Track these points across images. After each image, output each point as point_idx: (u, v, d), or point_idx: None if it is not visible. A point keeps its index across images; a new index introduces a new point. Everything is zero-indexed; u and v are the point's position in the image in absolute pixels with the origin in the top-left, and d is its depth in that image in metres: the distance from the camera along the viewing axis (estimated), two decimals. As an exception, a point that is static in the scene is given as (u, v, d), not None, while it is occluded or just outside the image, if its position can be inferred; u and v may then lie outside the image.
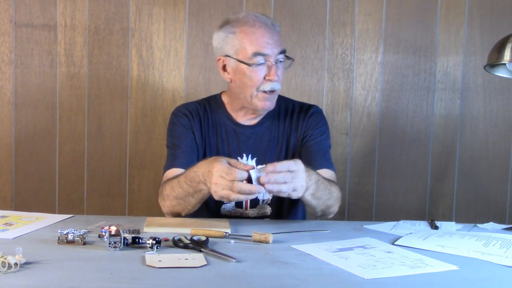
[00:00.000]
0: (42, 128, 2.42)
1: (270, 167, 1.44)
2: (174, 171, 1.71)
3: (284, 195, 1.47)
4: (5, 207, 2.36)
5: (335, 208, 1.72)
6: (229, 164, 1.46)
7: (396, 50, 2.45)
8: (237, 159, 1.76)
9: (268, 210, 1.80)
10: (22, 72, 2.40)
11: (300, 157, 1.76)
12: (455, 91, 2.47)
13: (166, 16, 2.41)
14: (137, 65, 2.41)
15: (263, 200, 1.80)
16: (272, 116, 1.84)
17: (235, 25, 1.73)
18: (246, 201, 1.77)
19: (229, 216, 1.77)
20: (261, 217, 1.79)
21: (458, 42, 2.45)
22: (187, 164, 1.68)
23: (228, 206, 1.78)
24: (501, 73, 1.95)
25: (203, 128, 1.81)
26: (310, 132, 1.83)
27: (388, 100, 2.47)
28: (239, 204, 1.77)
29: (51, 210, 2.33)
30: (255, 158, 1.80)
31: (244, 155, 1.80)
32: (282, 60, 1.74)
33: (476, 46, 2.45)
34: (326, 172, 1.75)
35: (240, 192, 1.42)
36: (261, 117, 1.83)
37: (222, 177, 1.44)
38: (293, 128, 1.84)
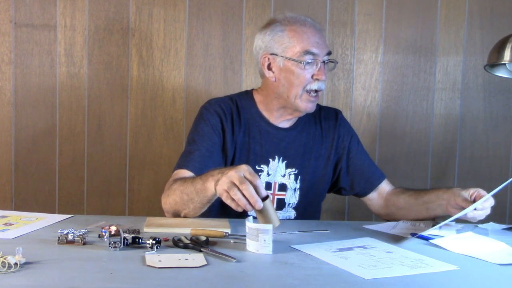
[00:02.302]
0: (42, 128, 2.42)
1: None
2: (184, 173, 1.69)
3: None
4: (5, 207, 2.36)
5: None
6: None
7: (396, 50, 2.45)
8: (269, 161, 1.77)
9: (293, 214, 1.82)
10: (22, 72, 2.40)
11: (348, 170, 1.87)
12: (455, 91, 2.48)
13: (166, 16, 2.41)
14: (137, 65, 2.41)
15: (289, 204, 1.81)
16: (304, 121, 1.85)
17: (284, 24, 1.74)
18: (272, 203, 1.77)
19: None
20: (285, 220, 1.79)
21: (458, 42, 2.46)
22: (200, 169, 1.66)
23: None
24: (501, 73, 1.95)
25: (234, 128, 1.77)
26: (347, 144, 1.88)
27: (388, 100, 2.47)
28: None
29: (51, 210, 2.33)
30: (285, 162, 1.80)
31: (276, 157, 1.80)
32: (327, 61, 1.75)
33: (476, 46, 2.45)
34: (387, 182, 1.89)
35: (243, 191, 1.35)
36: (295, 120, 1.83)
37: (243, 175, 1.37)
38: (324, 135, 1.87)
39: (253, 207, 1.36)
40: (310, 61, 1.70)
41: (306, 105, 1.74)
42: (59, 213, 1.72)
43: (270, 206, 1.38)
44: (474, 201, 1.59)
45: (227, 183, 1.37)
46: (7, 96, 2.41)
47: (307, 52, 1.70)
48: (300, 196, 1.81)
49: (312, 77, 1.72)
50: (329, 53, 1.75)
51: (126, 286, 1.07)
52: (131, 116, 2.43)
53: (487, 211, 1.58)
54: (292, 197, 1.80)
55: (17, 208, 2.39)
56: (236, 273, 1.16)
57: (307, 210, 1.83)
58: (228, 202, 1.39)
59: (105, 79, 2.41)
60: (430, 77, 2.47)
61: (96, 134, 2.43)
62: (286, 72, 1.73)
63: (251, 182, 1.35)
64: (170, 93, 2.43)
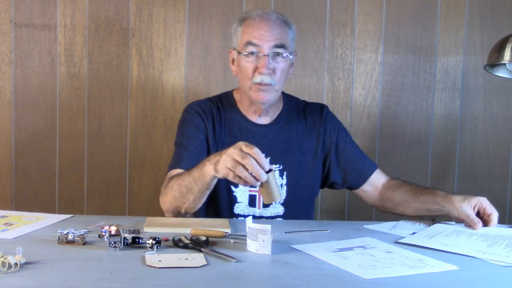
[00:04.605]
0: (42, 128, 2.42)
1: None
2: (178, 172, 1.70)
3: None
4: (5, 207, 2.36)
5: None
6: None
7: (396, 50, 2.45)
8: None
9: (281, 210, 1.81)
10: (22, 72, 2.40)
11: (338, 163, 1.86)
12: (455, 91, 2.48)
13: (166, 16, 2.41)
14: (137, 65, 2.41)
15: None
16: (286, 116, 1.85)
17: (243, 19, 1.78)
18: (259, 201, 1.77)
19: (241, 215, 1.77)
20: (274, 217, 1.79)
21: (458, 42, 2.46)
22: (192, 167, 1.67)
23: (241, 205, 1.77)
24: (501, 73, 1.95)
25: (216, 127, 1.80)
26: (335, 139, 1.87)
27: (388, 100, 2.47)
28: (252, 203, 1.77)
29: (51, 210, 2.33)
30: (269, 158, 1.79)
31: None
32: (283, 55, 1.74)
33: (476, 46, 2.45)
34: (379, 172, 1.88)
35: (246, 166, 1.36)
36: (274, 116, 1.84)
37: (240, 149, 1.39)
38: (310, 130, 1.86)
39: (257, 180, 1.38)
40: (251, 51, 1.71)
41: (257, 95, 1.74)
42: (59, 213, 1.72)
43: (273, 180, 1.40)
44: (478, 213, 1.59)
45: (229, 161, 1.40)
46: (7, 96, 2.41)
47: (248, 43, 1.72)
48: (288, 192, 1.81)
49: (255, 69, 1.72)
50: (279, 46, 1.73)
51: (126, 286, 1.07)
52: (131, 116, 2.43)
53: (495, 221, 1.60)
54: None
55: (17, 208, 2.39)
56: (236, 273, 1.16)
57: (297, 206, 1.82)
58: (236, 180, 1.41)
59: (105, 79, 2.41)
60: (430, 77, 2.47)
61: (96, 134, 2.43)
62: (238, 66, 1.77)
63: (251, 155, 1.37)
64: (170, 93, 2.43)
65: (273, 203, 1.78)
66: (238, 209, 1.78)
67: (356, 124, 2.45)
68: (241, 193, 1.77)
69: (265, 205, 1.79)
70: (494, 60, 1.86)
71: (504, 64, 1.88)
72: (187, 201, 1.59)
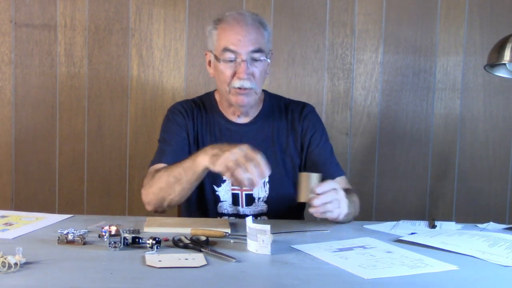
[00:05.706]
0: (42, 128, 2.42)
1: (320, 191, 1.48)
2: (161, 167, 1.71)
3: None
4: (5, 207, 2.36)
5: (357, 213, 1.76)
6: None
7: (396, 50, 2.45)
8: None
9: (265, 208, 1.81)
10: (22, 72, 2.40)
11: (305, 164, 1.83)
12: (455, 91, 2.48)
13: (166, 16, 2.41)
14: (137, 65, 2.41)
15: (259, 198, 1.80)
16: (265, 115, 1.85)
17: (219, 22, 1.78)
18: (242, 199, 1.78)
19: (226, 214, 1.78)
20: (258, 215, 1.79)
21: (458, 42, 2.46)
22: (174, 162, 1.68)
23: (225, 204, 1.78)
24: (501, 73, 1.95)
25: (197, 127, 1.82)
26: (309, 138, 1.85)
27: (388, 100, 2.47)
28: (235, 201, 1.78)
29: (51, 210, 2.33)
30: None
31: None
32: (260, 59, 1.73)
33: (476, 46, 2.45)
34: (341, 180, 1.80)
35: (248, 170, 1.41)
36: (254, 115, 1.84)
37: (245, 152, 1.44)
38: (289, 128, 1.85)
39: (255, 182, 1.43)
40: (229, 59, 1.71)
41: (237, 98, 1.74)
42: (59, 213, 1.72)
43: (315, 181, 1.48)
44: None
45: (232, 160, 1.43)
46: (7, 96, 2.41)
47: (226, 50, 1.72)
48: (270, 189, 1.80)
49: (234, 74, 1.72)
50: (258, 50, 1.72)
51: (126, 286, 1.07)
52: (131, 116, 2.43)
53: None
54: (261, 191, 1.80)
55: (17, 208, 2.39)
56: (236, 273, 1.16)
57: (281, 203, 1.81)
58: (230, 178, 1.46)
59: (105, 79, 2.41)
60: (430, 77, 2.47)
61: (96, 134, 2.43)
62: (215, 69, 1.78)
63: (254, 160, 1.42)
64: (170, 93, 2.43)
65: (256, 198, 1.80)
66: (221, 208, 1.79)
67: (356, 124, 2.45)
68: (224, 192, 1.78)
69: (248, 204, 1.79)
70: (494, 60, 1.86)
71: (504, 64, 1.88)
72: (172, 192, 1.61)
